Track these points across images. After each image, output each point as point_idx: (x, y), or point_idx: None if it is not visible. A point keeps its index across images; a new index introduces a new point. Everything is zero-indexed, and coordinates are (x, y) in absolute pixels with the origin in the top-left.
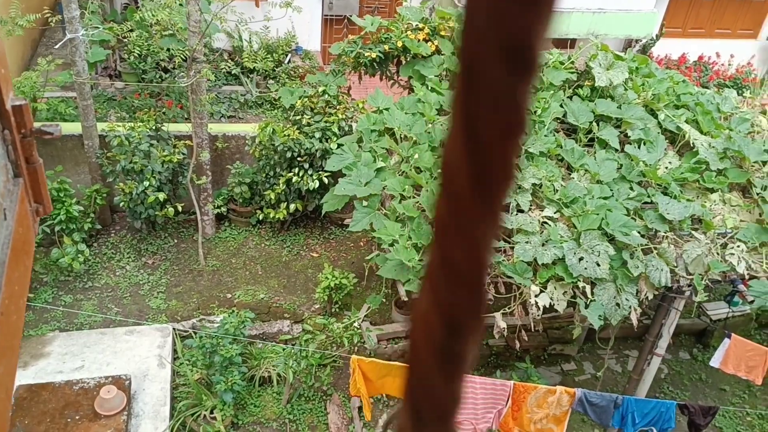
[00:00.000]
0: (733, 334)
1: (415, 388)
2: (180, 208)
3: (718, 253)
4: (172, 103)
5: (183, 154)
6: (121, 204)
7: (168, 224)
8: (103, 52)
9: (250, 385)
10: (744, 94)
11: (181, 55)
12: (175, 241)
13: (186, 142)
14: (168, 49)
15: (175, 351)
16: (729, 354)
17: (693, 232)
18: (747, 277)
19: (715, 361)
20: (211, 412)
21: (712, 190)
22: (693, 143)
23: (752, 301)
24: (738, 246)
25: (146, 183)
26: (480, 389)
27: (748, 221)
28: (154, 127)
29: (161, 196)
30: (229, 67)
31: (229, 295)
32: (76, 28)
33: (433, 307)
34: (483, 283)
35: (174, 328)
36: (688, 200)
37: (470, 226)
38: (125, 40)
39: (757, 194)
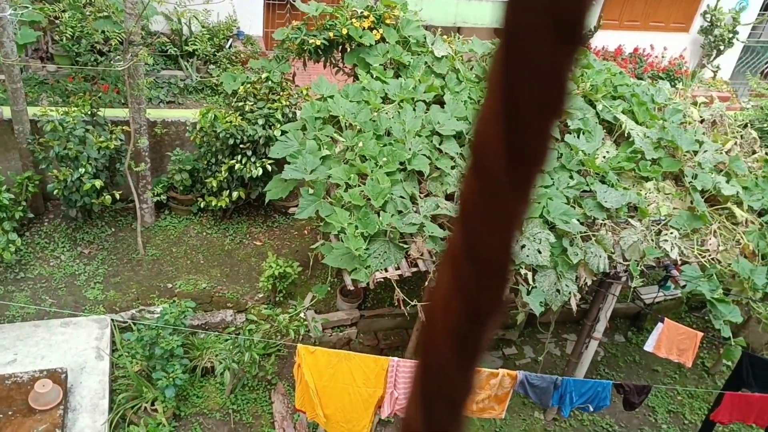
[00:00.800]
0: (666, 319)
1: (429, 375)
2: (118, 196)
3: (652, 240)
4: (108, 87)
5: (120, 140)
6: (55, 192)
7: (105, 212)
8: (33, 33)
9: (192, 376)
10: (676, 86)
11: (117, 38)
12: (113, 229)
13: (123, 127)
14: (103, 32)
15: (113, 343)
16: (662, 338)
17: (629, 219)
18: (679, 262)
19: (648, 346)
20: (152, 404)
21: (647, 179)
22: (629, 133)
23: (684, 286)
24: (671, 233)
25: (82, 170)
26: None
27: (680, 209)
28: (89, 112)
29: (98, 183)
30: (166, 47)
31: (169, 285)
32: (3, 7)
33: (455, 293)
34: (509, 270)
35: (112, 320)
36: (624, 189)
37: (502, 208)
38: (57, 21)
39: (689, 183)
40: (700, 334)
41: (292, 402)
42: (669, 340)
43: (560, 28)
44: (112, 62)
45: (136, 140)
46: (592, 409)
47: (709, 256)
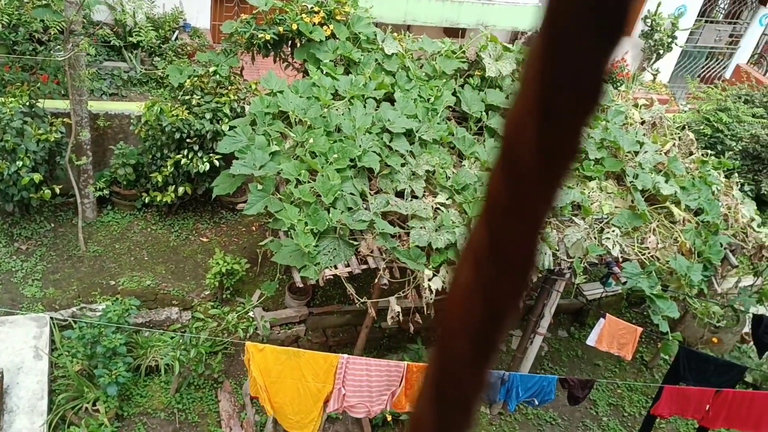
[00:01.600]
0: (607, 314)
1: (444, 373)
2: (58, 191)
3: (595, 238)
4: (47, 77)
5: (61, 132)
6: None
7: (44, 207)
8: None
9: (136, 375)
10: (619, 88)
11: (57, 27)
12: (53, 225)
13: (64, 120)
14: (42, 20)
15: (53, 342)
16: (603, 333)
17: (573, 217)
18: (621, 259)
19: (590, 340)
20: (94, 405)
21: (591, 178)
22: None
23: (625, 282)
24: (613, 231)
25: (19, 163)
26: (375, 372)
27: (621, 208)
28: (27, 103)
29: (36, 177)
30: (109, 38)
31: (112, 282)
32: None
33: (476, 292)
34: (532, 269)
35: (51, 318)
36: (569, 187)
37: (530, 206)
38: None
39: (630, 182)
40: (640, 329)
41: (239, 400)
42: (610, 335)
43: (602, 19)
44: (51, 52)
45: (77, 133)
46: (537, 403)
47: (649, 253)
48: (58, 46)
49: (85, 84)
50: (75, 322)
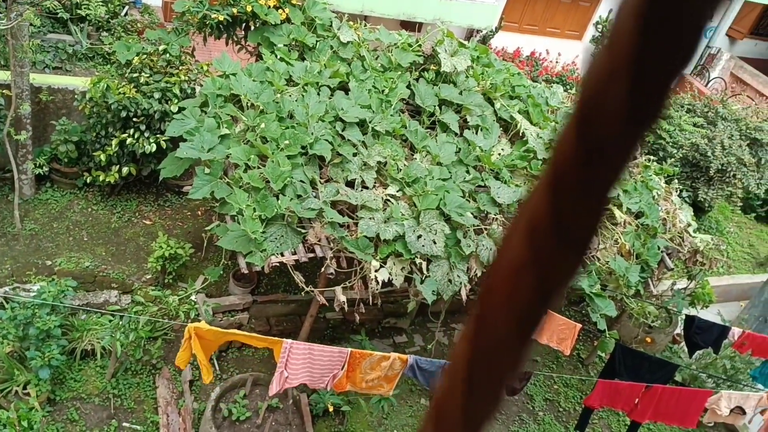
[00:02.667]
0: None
1: (481, 353)
2: None
3: None
4: None
5: (0, 105)
6: None
7: None
8: None
9: (70, 359)
10: (569, 91)
11: None
12: None
13: (4, 91)
14: None
15: None
16: (543, 327)
17: None
18: None
19: None
20: (25, 388)
21: (538, 177)
22: (524, 133)
23: None
24: None
25: None
26: (318, 357)
27: None
28: None
29: None
30: (56, 10)
31: (48, 262)
32: None
33: (529, 267)
34: (591, 247)
35: None
36: (516, 185)
37: (603, 173)
38: None
39: None
40: (579, 326)
41: (177, 387)
42: (550, 330)
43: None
44: None
45: (17, 106)
46: None
47: (590, 253)
48: (1, 14)
49: (28, 55)
50: (7, 302)
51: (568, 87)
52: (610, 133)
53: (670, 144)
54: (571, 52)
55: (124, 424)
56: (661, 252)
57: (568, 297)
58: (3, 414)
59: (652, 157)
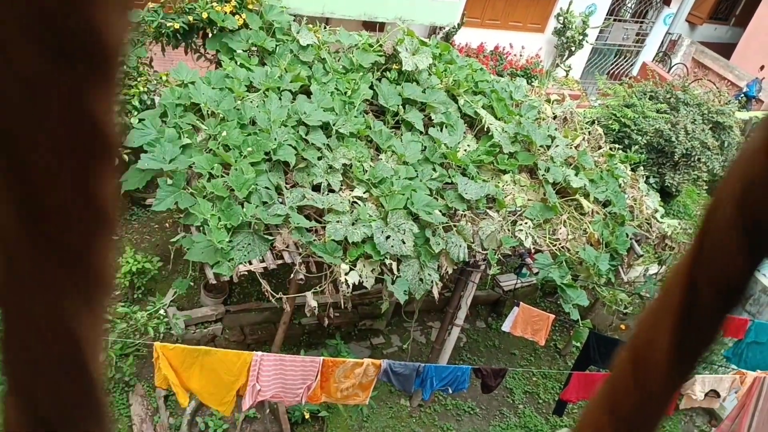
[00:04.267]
0: (522, 303)
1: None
2: None
3: (509, 230)
4: None
5: None
6: None
7: None
8: None
9: None
10: (533, 84)
11: None
12: None
13: None
14: None
15: None
16: (518, 320)
17: (488, 210)
18: (533, 251)
19: (505, 326)
20: None
21: (505, 172)
22: (488, 128)
23: (537, 273)
24: (526, 223)
25: None
26: (290, 368)
27: (534, 200)
28: None
29: None
30: None
31: None
32: None
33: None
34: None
35: None
36: (483, 181)
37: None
38: None
39: (542, 176)
40: (552, 316)
41: (152, 403)
42: (524, 322)
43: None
44: None
45: None
46: (451, 391)
47: (560, 244)
48: None
49: None
50: None
51: (532, 79)
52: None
53: (635, 131)
54: (534, 45)
55: None
56: (630, 239)
57: (543, 288)
58: None
59: (617, 146)
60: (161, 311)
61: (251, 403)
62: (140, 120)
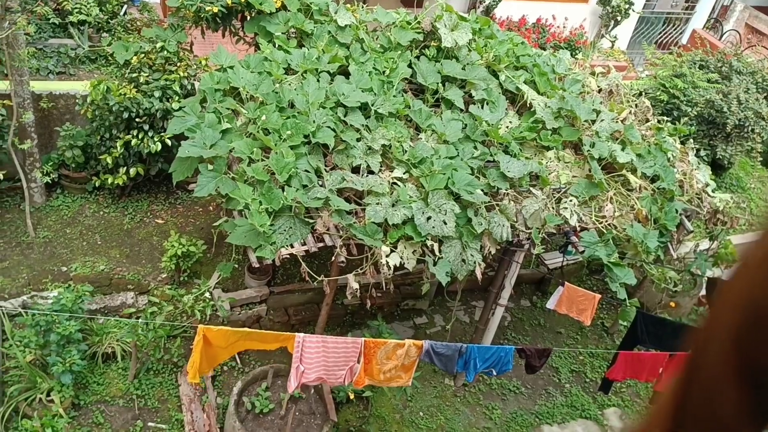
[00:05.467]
0: (567, 283)
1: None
2: (2, 176)
3: (553, 208)
4: None
5: (1, 115)
6: None
7: None
8: None
9: (92, 363)
10: (576, 56)
11: None
12: None
13: (5, 101)
14: None
15: (3, 332)
16: (562, 299)
17: (531, 188)
18: (578, 229)
19: (550, 304)
20: (48, 395)
21: (548, 148)
22: (531, 103)
23: (583, 251)
24: (571, 200)
25: None
26: (332, 349)
27: (579, 177)
28: None
29: None
30: (48, 15)
31: (64, 268)
32: None
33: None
34: None
35: (1, 307)
36: (526, 158)
37: None
38: None
39: (587, 151)
40: (598, 296)
41: (200, 383)
42: (569, 301)
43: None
44: None
45: (19, 115)
46: (495, 373)
47: (606, 221)
48: None
49: (25, 64)
50: (26, 311)
51: (576, 52)
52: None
53: (684, 102)
54: (578, 16)
55: (150, 423)
56: (680, 215)
57: (589, 266)
58: (27, 423)
59: (665, 118)
60: (206, 294)
61: (296, 384)
62: (180, 107)
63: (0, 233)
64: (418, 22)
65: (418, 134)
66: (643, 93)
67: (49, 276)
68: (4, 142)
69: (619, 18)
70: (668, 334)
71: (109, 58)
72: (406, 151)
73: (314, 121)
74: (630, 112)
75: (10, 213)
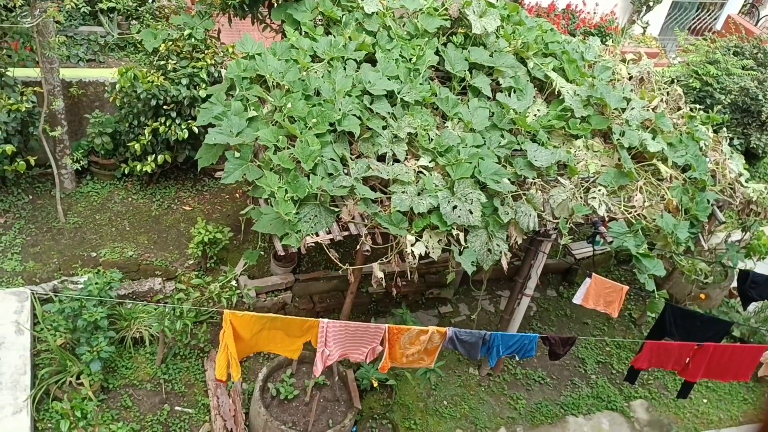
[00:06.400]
0: (594, 274)
1: None
2: (33, 162)
3: (581, 198)
4: (18, 44)
5: (32, 102)
6: None
7: (21, 179)
8: None
9: (120, 347)
10: (606, 43)
11: None
12: (30, 197)
13: (35, 88)
14: None
15: (35, 316)
16: (590, 291)
17: (559, 177)
18: (607, 219)
19: (577, 299)
20: (78, 378)
21: (577, 137)
22: (559, 91)
23: (611, 242)
24: (599, 190)
25: None
26: (354, 332)
27: (608, 166)
28: None
29: (9, 148)
30: (77, 3)
31: (93, 254)
32: None
33: None
34: None
35: (32, 292)
36: (554, 147)
37: None
38: None
39: (617, 140)
40: (626, 288)
41: (227, 381)
42: (596, 294)
43: None
44: (18, 18)
45: (50, 102)
46: (518, 358)
47: (635, 212)
48: (25, 13)
49: (55, 51)
50: (56, 295)
51: (606, 38)
52: None
53: (718, 90)
54: (608, 2)
55: (176, 407)
56: (711, 205)
57: (617, 257)
58: (57, 405)
59: (698, 106)
60: (233, 282)
61: (322, 367)
62: (207, 96)
63: (32, 219)
64: (446, 9)
65: (445, 122)
66: (675, 80)
67: (79, 261)
68: (35, 129)
69: (651, 3)
70: (698, 327)
71: (138, 45)
72: (432, 140)
73: (340, 109)
74: (661, 100)
75: (42, 199)
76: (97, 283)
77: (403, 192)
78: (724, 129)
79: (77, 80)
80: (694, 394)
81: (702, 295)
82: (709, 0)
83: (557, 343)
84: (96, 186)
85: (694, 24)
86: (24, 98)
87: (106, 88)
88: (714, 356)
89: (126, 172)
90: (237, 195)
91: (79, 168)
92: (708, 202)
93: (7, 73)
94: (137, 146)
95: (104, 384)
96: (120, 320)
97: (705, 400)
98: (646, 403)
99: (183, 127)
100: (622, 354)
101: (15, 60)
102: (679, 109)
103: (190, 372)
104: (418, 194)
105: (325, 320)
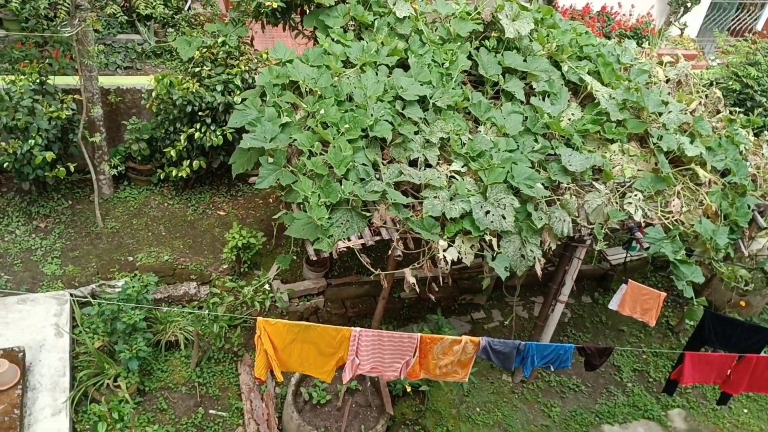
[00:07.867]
0: (630, 280)
1: None
2: (73, 168)
3: (616, 203)
4: (58, 53)
5: (72, 109)
6: (5, 164)
7: (60, 185)
8: None
9: (156, 350)
10: (643, 45)
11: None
12: (70, 202)
13: (75, 96)
14: None
15: (73, 319)
16: (626, 298)
17: (594, 182)
18: (643, 224)
19: (613, 304)
20: (115, 381)
21: (612, 141)
22: (594, 94)
23: (648, 248)
24: (635, 195)
25: (32, 141)
26: (387, 342)
27: (644, 171)
28: (38, 80)
29: (49, 155)
30: (116, 12)
31: (130, 258)
32: None
33: None
34: None
35: (71, 295)
36: (589, 151)
37: None
38: None
39: (654, 144)
40: (663, 295)
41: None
42: (633, 300)
43: None
44: (59, 27)
45: (89, 110)
46: (553, 369)
47: (673, 217)
48: (65, 22)
49: (94, 59)
50: (94, 299)
51: (643, 41)
52: None
53: (759, 92)
54: (645, 3)
55: (211, 411)
56: (752, 210)
57: (654, 263)
58: (95, 407)
59: (738, 109)
60: (266, 286)
61: (351, 376)
62: (242, 100)
63: (71, 223)
64: (478, 13)
65: (477, 127)
66: (714, 83)
67: (117, 265)
68: (75, 135)
69: (689, 4)
70: (738, 335)
71: (174, 52)
72: (464, 144)
73: (372, 115)
74: (700, 103)
75: (81, 204)
76: (134, 287)
77: (435, 197)
78: (766, 132)
79: (115, 87)
80: (735, 403)
81: (742, 303)
82: (750, 0)
83: (593, 354)
84: (133, 191)
85: (733, 25)
86: (64, 106)
87: (142, 95)
88: (757, 368)
89: (162, 177)
90: (270, 200)
91: (117, 174)
92: (748, 207)
93: (48, 81)
94: (173, 152)
95: (140, 387)
96: (156, 324)
97: (745, 410)
98: (684, 412)
99: (218, 133)
100: (659, 362)
101: (56, 68)
102: (718, 112)
103: (224, 375)
104: (451, 199)
105: (357, 329)
